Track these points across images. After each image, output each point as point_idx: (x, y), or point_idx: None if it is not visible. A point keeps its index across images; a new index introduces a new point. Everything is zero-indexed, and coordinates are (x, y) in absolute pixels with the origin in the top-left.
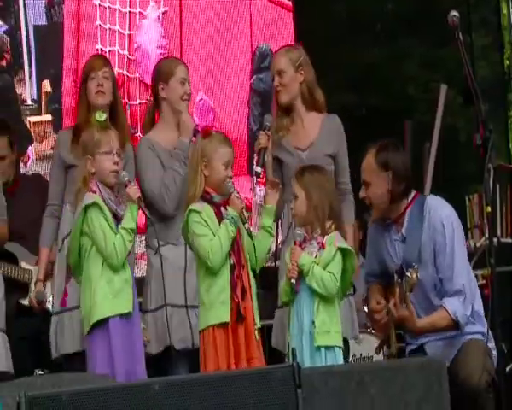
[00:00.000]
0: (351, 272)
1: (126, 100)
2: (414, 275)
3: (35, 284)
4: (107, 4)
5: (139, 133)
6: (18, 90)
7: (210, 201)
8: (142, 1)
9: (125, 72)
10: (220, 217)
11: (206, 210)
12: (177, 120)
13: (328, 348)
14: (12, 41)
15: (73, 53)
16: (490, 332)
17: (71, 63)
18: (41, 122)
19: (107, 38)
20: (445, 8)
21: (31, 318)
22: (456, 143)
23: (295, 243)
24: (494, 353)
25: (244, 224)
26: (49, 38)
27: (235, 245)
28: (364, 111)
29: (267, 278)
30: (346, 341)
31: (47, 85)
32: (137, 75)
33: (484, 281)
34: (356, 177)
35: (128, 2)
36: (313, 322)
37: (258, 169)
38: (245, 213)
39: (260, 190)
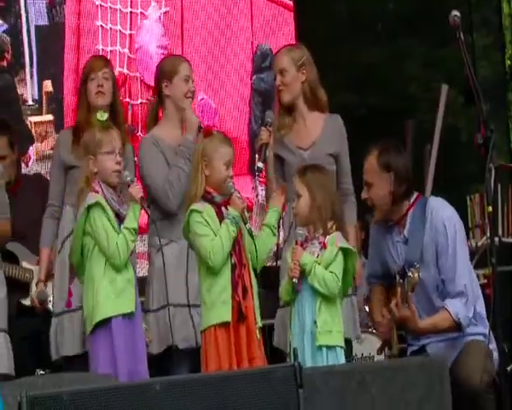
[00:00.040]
0: (352, 272)
1: (128, 99)
2: (415, 274)
3: (36, 284)
4: (108, 4)
5: (140, 132)
6: (19, 90)
7: (211, 201)
8: (144, 1)
9: (125, 71)
10: (221, 217)
11: (208, 210)
12: (180, 118)
13: (329, 347)
14: (13, 41)
15: (75, 53)
16: (491, 334)
17: (72, 63)
18: (42, 122)
19: (108, 38)
20: (446, 8)
21: (31, 318)
22: (458, 143)
23: (297, 243)
24: (495, 354)
25: (245, 224)
26: (51, 38)
27: (237, 245)
28: (365, 111)
29: (268, 277)
30: (348, 342)
31: (48, 85)
32: (138, 75)
33: (485, 281)
34: (357, 177)
35: (129, 3)
36: (315, 322)
37: (260, 164)
38: (246, 213)
39: (262, 190)
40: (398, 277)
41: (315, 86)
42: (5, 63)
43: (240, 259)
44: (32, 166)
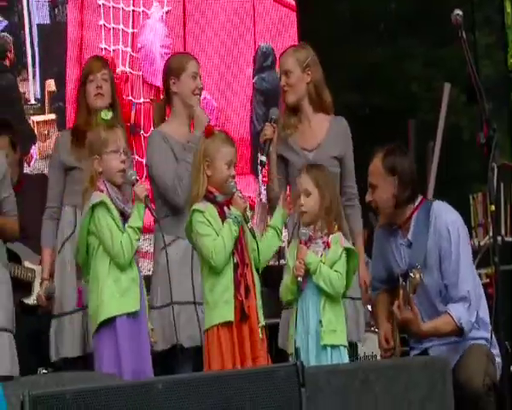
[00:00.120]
0: (353, 272)
1: (131, 98)
2: (417, 275)
3: (40, 283)
4: (111, 4)
5: (143, 131)
6: (21, 90)
7: (213, 200)
8: (146, 0)
9: (128, 69)
10: (223, 216)
11: (210, 210)
12: (188, 115)
13: (333, 347)
14: (15, 40)
15: (77, 52)
16: (494, 338)
17: (74, 63)
18: (45, 121)
19: (110, 37)
20: (448, 8)
21: (33, 317)
22: (460, 142)
23: (301, 242)
24: (498, 360)
25: (247, 223)
26: (53, 37)
27: (239, 244)
28: (368, 111)
29: (271, 276)
30: (352, 344)
31: (51, 85)
32: (141, 73)
33: (487, 280)
34: (360, 178)
35: (131, 1)
36: (320, 321)
37: (263, 159)
38: (248, 213)
39: (265, 190)
40: (401, 279)
41: (320, 87)
42: (7, 63)
43: (242, 258)
44: (34, 166)
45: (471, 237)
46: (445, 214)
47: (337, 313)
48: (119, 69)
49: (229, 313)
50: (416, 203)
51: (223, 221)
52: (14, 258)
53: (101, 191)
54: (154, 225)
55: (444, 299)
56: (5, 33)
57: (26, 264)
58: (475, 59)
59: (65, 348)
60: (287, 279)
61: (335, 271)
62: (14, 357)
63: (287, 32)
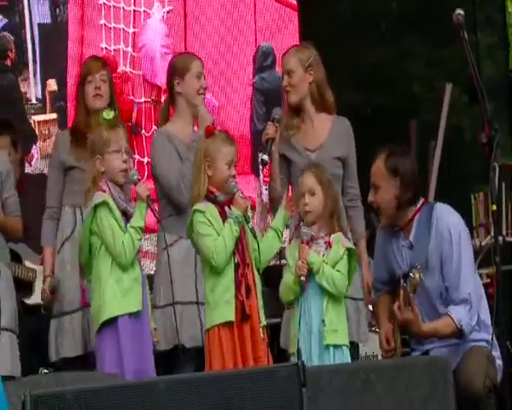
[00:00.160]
0: (353, 271)
1: (132, 97)
2: (417, 275)
3: (43, 280)
4: (111, 3)
5: (144, 131)
6: (22, 89)
7: (214, 200)
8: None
9: (128, 69)
10: (224, 216)
11: (211, 210)
12: (192, 115)
13: (336, 346)
14: (16, 40)
15: (78, 52)
16: (495, 340)
17: (75, 62)
18: (46, 121)
19: (111, 37)
20: (450, 7)
21: (34, 317)
22: (462, 142)
23: (302, 242)
24: (499, 362)
25: (248, 223)
26: (54, 36)
27: (240, 244)
28: (369, 111)
29: (272, 276)
30: (353, 344)
31: (52, 84)
32: (141, 73)
33: (489, 280)
34: (362, 178)
35: (132, 1)
36: (323, 320)
37: (265, 157)
38: (249, 213)
39: (266, 189)
40: (402, 281)
41: (322, 87)
42: (9, 62)
43: (243, 258)
44: (35, 165)
45: (472, 237)
46: (447, 217)
47: (339, 313)
48: (120, 69)
49: (230, 313)
50: (418, 205)
51: (224, 221)
52: (14, 258)
53: (104, 191)
54: (158, 224)
55: (444, 301)
56: (6, 33)
57: (27, 264)
58: (477, 59)
59: (65, 347)
60: (288, 279)
61: (337, 271)
62: (16, 357)
63: (287, 29)
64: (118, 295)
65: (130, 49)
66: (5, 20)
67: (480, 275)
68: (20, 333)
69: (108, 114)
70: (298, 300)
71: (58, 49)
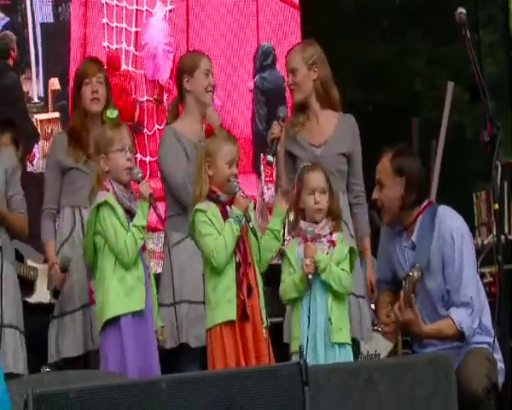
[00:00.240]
0: (352, 271)
1: (134, 97)
2: (415, 273)
3: (50, 268)
4: (114, 2)
5: (146, 130)
6: (25, 88)
7: (216, 200)
8: None
9: (131, 68)
10: (226, 216)
11: (212, 209)
12: (201, 113)
13: (340, 344)
14: (19, 39)
15: (81, 51)
16: (497, 343)
17: (78, 61)
18: (48, 120)
19: (114, 36)
20: (452, 3)
21: (35, 315)
22: (463, 140)
23: (307, 240)
24: (501, 365)
25: (249, 222)
26: (56, 36)
27: (241, 243)
28: (371, 108)
29: (274, 275)
30: (355, 341)
31: (55, 83)
32: (144, 72)
33: (491, 279)
34: (364, 175)
35: (135, 0)
36: (329, 318)
37: (271, 158)
38: (251, 213)
39: (268, 189)
40: (403, 282)
41: (327, 84)
42: (11, 61)
43: (245, 258)
44: (37, 164)
45: (474, 235)
46: (450, 220)
47: (342, 312)
48: (123, 68)
49: (231, 313)
50: (422, 206)
51: (225, 221)
52: (16, 256)
53: (108, 190)
54: (165, 223)
55: (446, 304)
56: (8, 32)
57: (29, 262)
58: (479, 57)
59: (65, 347)
60: (292, 277)
61: (343, 269)
62: (20, 354)
63: (287, 24)
64: (121, 294)
65: (132, 48)
66: (7, 19)
67: (483, 274)
68: (24, 331)
69: (112, 113)
70: (300, 299)
71: (60, 49)
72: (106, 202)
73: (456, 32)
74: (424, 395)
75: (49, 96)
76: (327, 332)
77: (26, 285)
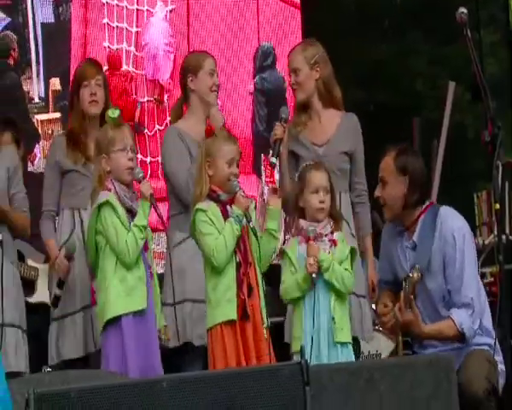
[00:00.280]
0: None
1: (135, 97)
2: (415, 274)
3: (53, 262)
4: (114, 2)
5: (146, 130)
6: (25, 88)
7: (216, 199)
8: None
9: (131, 68)
10: (226, 215)
11: (212, 209)
12: (205, 112)
13: (342, 344)
14: (19, 39)
15: (81, 50)
16: (498, 345)
17: (79, 61)
18: (49, 120)
19: (114, 36)
20: (453, 5)
21: (36, 315)
22: (465, 140)
23: (309, 239)
24: (501, 367)
25: (249, 222)
26: (57, 36)
27: (242, 243)
28: (372, 107)
29: (274, 274)
30: (357, 340)
31: (55, 84)
32: (144, 72)
33: (492, 279)
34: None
35: (135, 0)
36: (333, 318)
37: (274, 160)
38: (250, 212)
39: (268, 190)
40: (404, 283)
41: (329, 83)
42: (11, 61)
43: (245, 257)
44: (38, 164)
45: (475, 235)
46: (452, 221)
47: (344, 311)
48: (123, 68)
49: (232, 312)
50: (424, 207)
51: (226, 220)
52: (17, 256)
53: (109, 190)
54: (168, 222)
55: (447, 304)
56: (9, 32)
57: (30, 262)
58: (480, 57)
59: (66, 349)
60: (296, 276)
61: (345, 269)
62: (22, 352)
63: (287, 24)
64: (122, 294)
65: (133, 48)
66: (8, 19)
67: (484, 274)
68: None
69: (114, 113)
70: (302, 298)
71: (61, 49)
72: (107, 202)
73: (458, 32)
74: (424, 396)
75: (50, 96)
76: (330, 332)
77: (27, 285)
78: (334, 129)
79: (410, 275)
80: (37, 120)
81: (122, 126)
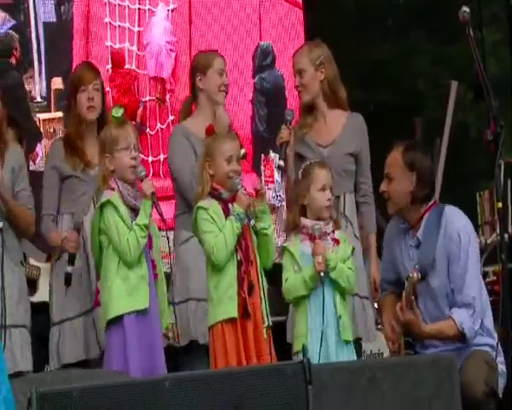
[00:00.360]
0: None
1: (137, 96)
2: (415, 274)
3: (62, 240)
4: (116, 2)
5: (148, 130)
6: (27, 88)
7: (218, 197)
8: None
9: (133, 67)
10: (228, 213)
11: (214, 207)
12: (213, 112)
13: (347, 342)
14: (21, 38)
15: (83, 48)
16: (499, 347)
17: (81, 59)
18: (51, 119)
19: (116, 36)
20: (456, 4)
21: (38, 315)
22: (467, 139)
23: (315, 237)
24: (502, 368)
25: (250, 220)
26: (59, 35)
27: (243, 241)
28: (372, 107)
29: (276, 274)
30: (358, 340)
31: (57, 83)
32: (146, 72)
33: (495, 277)
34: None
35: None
36: (340, 316)
37: (281, 162)
38: (251, 210)
39: (269, 189)
40: (405, 283)
41: (335, 84)
42: (13, 60)
43: (246, 255)
44: (39, 163)
45: (478, 234)
46: (457, 220)
47: (347, 310)
48: (126, 67)
49: (233, 310)
50: (428, 205)
51: (227, 218)
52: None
53: (113, 189)
54: (175, 220)
55: (450, 303)
56: (11, 31)
57: (31, 261)
58: (482, 56)
59: (66, 353)
60: (302, 275)
61: (349, 268)
62: (27, 352)
63: (289, 23)
64: (124, 293)
65: (135, 47)
66: (13, 21)
67: (486, 273)
68: None
69: (118, 112)
70: (306, 297)
71: (63, 48)
72: (109, 201)
73: (460, 32)
74: (427, 396)
75: (52, 95)
76: (338, 330)
77: (29, 284)
78: (339, 129)
79: (410, 275)
80: (39, 119)
81: (125, 125)
